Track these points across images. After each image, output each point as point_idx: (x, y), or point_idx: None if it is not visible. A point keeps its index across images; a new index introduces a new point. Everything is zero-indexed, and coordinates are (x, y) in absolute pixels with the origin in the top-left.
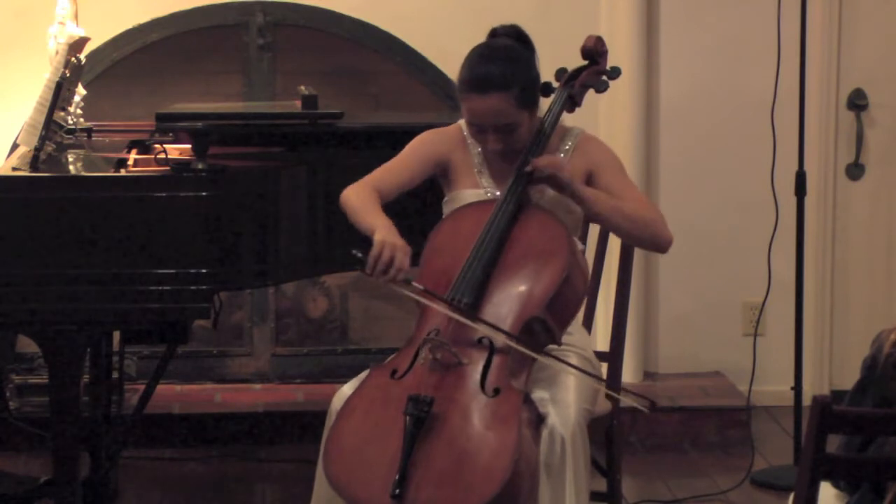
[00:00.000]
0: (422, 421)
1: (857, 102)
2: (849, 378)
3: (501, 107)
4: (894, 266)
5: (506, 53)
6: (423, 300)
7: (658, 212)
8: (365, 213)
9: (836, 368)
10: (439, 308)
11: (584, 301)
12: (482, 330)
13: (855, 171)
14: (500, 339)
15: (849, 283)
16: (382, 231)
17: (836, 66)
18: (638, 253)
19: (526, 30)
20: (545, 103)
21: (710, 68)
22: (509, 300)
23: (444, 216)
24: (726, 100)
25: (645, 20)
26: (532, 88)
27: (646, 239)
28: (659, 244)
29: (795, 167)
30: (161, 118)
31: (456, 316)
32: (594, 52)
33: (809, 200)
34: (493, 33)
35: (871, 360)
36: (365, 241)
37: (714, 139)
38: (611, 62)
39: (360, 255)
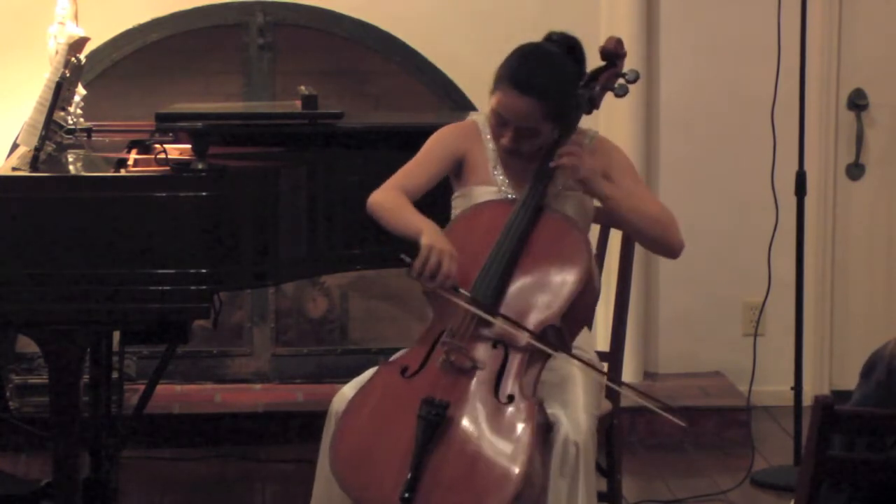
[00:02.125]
0: (436, 425)
1: (857, 102)
2: (849, 378)
3: (531, 111)
4: (894, 266)
5: (555, 64)
6: (462, 304)
7: (673, 216)
8: (404, 215)
9: (836, 368)
10: (475, 311)
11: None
12: (506, 329)
13: (855, 171)
14: (519, 340)
15: (849, 283)
16: (430, 235)
17: (836, 66)
18: (638, 252)
19: (526, 30)
20: None
21: (710, 68)
22: (528, 307)
23: (456, 212)
24: (726, 100)
25: (645, 20)
26: (565, 107)
27: (661, 241)
28: (673, 248)
29: (795, 167)
30: (161, 118)
31: (485, 315)
32: (614, 54)
33: (809, 200)
34: (549, 38)
35: (886, 375)
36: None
37: (714, 139)
38: None
39: (407, 259)
